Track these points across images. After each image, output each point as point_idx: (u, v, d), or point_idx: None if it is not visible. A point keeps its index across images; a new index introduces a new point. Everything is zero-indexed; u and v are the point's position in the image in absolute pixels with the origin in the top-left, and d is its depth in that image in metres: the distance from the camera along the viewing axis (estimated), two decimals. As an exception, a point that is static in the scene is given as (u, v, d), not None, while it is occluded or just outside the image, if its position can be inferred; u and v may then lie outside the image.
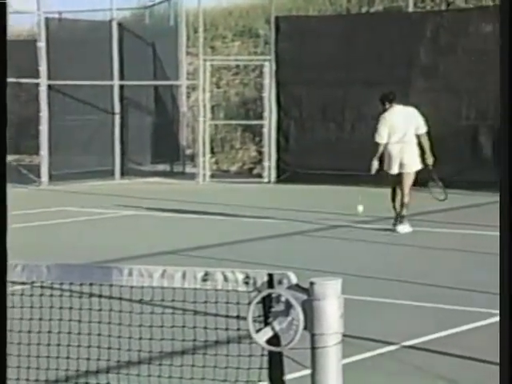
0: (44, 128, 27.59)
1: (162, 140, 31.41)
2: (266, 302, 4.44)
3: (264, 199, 24.60)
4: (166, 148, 31.37)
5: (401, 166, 18.80)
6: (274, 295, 4.42)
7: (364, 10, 32.69)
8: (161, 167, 32.10)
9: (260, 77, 30.46)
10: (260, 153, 30.38)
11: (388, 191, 19.61)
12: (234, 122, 31.81)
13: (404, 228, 18.78)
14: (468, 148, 25.83)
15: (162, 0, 31.16)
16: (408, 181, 18.73)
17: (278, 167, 28.54)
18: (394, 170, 18.73)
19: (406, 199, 18.80)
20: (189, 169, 30.97)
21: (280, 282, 4.46)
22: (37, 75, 27.58)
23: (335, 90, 27.11)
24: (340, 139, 27.36)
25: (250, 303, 4.39)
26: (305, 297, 4.33)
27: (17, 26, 36.03)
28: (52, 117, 27.85)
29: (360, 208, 19.09)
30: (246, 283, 4.61)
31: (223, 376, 5.36)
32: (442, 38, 26.18)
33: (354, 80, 26.54)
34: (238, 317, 5.05)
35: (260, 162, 30.13)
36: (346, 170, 26.30)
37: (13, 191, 23.44)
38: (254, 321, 4.34)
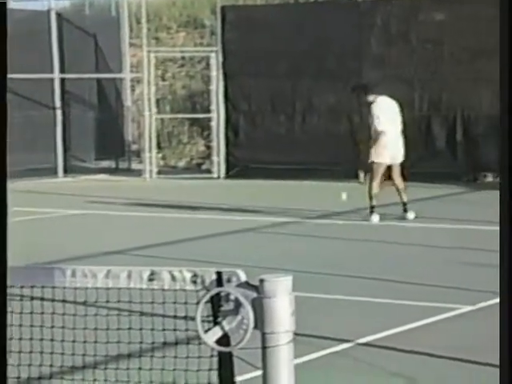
0: None
1: (107, 135, 31.32)
2: (215, 301, 4.42)
3: (213, 195, 24.60)
4: (110, 144, 31.34)
5: (394, 156, 19.08)
6: (222, 294, 4.40)
7: None
8: (106, 164, 31.84)
9: (207, 69, 30.55)
10: (208, 147, 30.42)
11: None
12: (180, 115, 32.04)
13: (411, 214, 19.05)
14: (422, 139, 25.91)
15: None
16: (399, 170, 19.23)
17: (227, 162, 28.63)
18: (386, 160, 18.92)
19: (402, 185, 19.20)
20: (135, 165, 30.89)
21: (229, 280, 4.45)
22: None
23: (285, 82, 27.18)
24: (291, 132, 27.64)
25: (198, 303, 4.39)
26: (254, 294, 4.31)
27: None
28: None
29: (344, 196, 19.16)
30: (194, 282, 4.59)
31: (172, 378, 5.38)
32: (393, 27, 26.30)
33: (303, 71, 26.67)
34: (186, 317, 5.10)
35: (209, 156, 30.23)
36: (297, 163, 26.67)
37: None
38: (203, 321, 4.33)
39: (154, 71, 29.37)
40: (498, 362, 4.28)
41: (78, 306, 6.11)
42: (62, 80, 29.17)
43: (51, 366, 5.70)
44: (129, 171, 30.22)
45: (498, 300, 12.37)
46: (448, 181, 24.91)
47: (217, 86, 28.17)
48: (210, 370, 4.78)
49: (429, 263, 14.10)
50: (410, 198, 20.80)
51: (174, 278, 4.68)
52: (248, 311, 4.30)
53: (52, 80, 28.99)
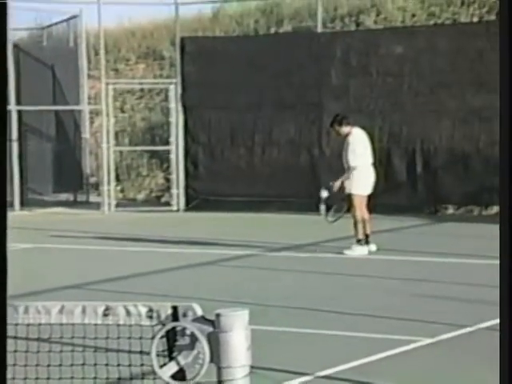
0: None
1: (65, 168, 31.16)
2: (171, 336, 4.44)
3: (172, 228, 24.53)
4: (68, 176, 31.11)
5: (366, 187, 19.39)
6: (178, 328, 4.41)
7: (272, 30, 32.95)
8: (63, 197, 31.49)
9: (166, 101, 30.57)
10: (168, 180, 30.46)
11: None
12: (139, 148, 31.87)
13: (373, 246, 19.25)
14: (382, 171, 24.80)
15: (61, 20, 31.00)
16: (366, 202, 19.49)
17: (186, 194, 28.68)
18: (368, 191, 19.42)
19: (367, 217, 19.49)
20: (93, 198, 30.69)
21: (185, 315, 4.46)
22: None
23: (245, 114, 27.39)
24: (250, 164, 27.68)
25: (153, 337, 4.38)
26: (210, 329, 4.32)
27: None
28: None
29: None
30: (150, 317, 4.58)
31: (127, 415, 5.23)
32: (353, 59, 26.50)
33: (264, 103, 26.85)
34: (141, 352, 5.10)
35: (168, 189, 30.16)
36: (256, 196, 26.73)
37: None
38: (158, 355, 4.32)
39: (113, 103, 29.34)
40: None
41: (31, 342, 6.26)
42: (19, 112, 29.00)
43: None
44: (87, 204, 30.04)
45: (456, 333, 12.29)
46: (409, 213, 25.03)
47: (176, 118, 28.31)
48: (165, 406, 4.83)
49: (388, 295, 13.99)
50: (372, 229, 20.75)
51: (128, 313, 4.64)
52: (204, 346, 4.30)
53: (8, 112, 28.20)
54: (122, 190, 30.62)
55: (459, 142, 25.44)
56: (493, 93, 22.48)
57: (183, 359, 4.39)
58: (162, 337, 4.42)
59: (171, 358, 4.44)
